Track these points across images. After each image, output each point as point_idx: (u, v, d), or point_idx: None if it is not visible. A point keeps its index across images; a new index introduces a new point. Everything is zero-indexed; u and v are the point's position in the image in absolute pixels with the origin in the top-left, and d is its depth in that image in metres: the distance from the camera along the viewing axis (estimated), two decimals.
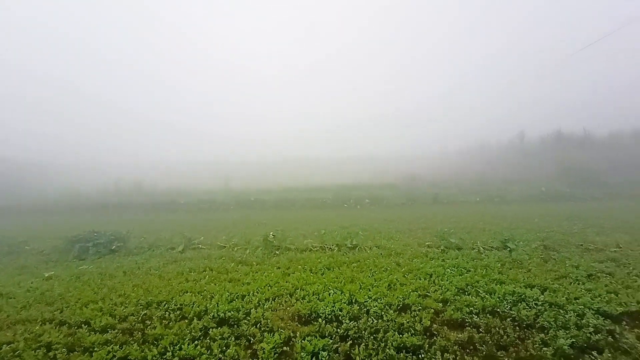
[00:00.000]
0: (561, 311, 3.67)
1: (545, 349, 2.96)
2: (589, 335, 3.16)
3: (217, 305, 4.01)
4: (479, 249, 6.40)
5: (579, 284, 4.48)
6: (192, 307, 4.04)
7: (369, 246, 7.06)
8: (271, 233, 7.24)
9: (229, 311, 3.87)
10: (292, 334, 3.38)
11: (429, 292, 4.34)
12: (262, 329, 3.52)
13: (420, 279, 4.86)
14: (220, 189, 27.17)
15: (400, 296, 4.16)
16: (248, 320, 3.71)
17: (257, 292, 4.49)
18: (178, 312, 3.99)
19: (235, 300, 4.24)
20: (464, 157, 36.35)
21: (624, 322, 3.49)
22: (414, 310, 3.81)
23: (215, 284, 4.94)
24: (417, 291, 4.38)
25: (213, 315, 3.80)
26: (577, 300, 3.92)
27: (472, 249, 6.49)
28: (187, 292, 4.63)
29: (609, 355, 2.88)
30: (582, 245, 6.46)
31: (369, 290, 4.39)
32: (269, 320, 3.65)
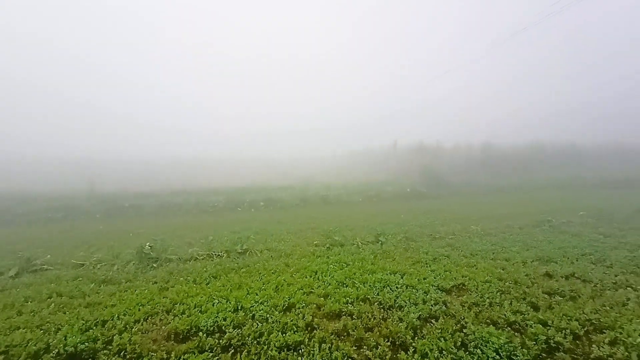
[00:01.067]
0: (414, 290, 4.48)
1: (400, 324, 3.55)
2: (431, 307, 3.97)
3: (65, 339, 3.26)
4: (358, 244, 7.20)
5: (427, 266, 5.57)
6: (25, 346, 3.16)
7: (260, 249, 7.04)
8: (147, 244, 6.35)
9: (83, 343, 3.20)
10: (166, 356, 3.04)
11: (313, 289, 4.63)
12: (129, 356, 3.05)
13: (306, 277, 5.13)
14: (83, 193, 22.19)
15: (287, 296, 4.30)
16: (109, 349, 3.15)
17: (124, 315, 3.87)
18: (1, 357, 3.06)
19: (92, 328, 3.54)
20: (350, 161, 40.49)
21: (454, 293, 4.54)
22: (298, 308, 3.99)
23: (64, 313, 4.00)
24: (302, 289, 4.61)
25: (58, 352, 3.07)
26: (425, 280, 4.86)
27: (353, 244, 7.26)
28: (18, 328, 3.59)
29: (443, 320, 3.67)
30: (431, 234, 8.09)
31: (256, 295, 4.37)
32: (137, 345, 3.19)
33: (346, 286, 4.70)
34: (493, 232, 8.24)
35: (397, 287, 4.58)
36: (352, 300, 4.23)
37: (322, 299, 4.29)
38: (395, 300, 4.17)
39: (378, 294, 4.37)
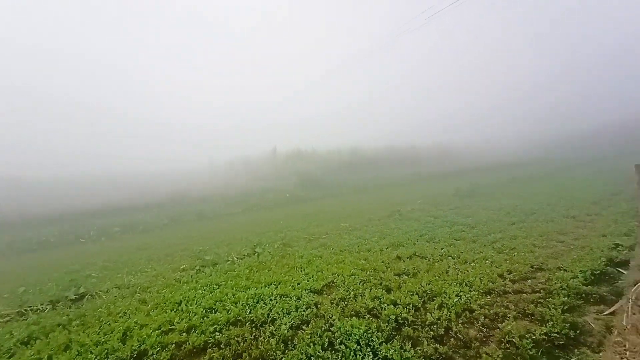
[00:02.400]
0: (287, 299, 4.42)
1: (272, 340, 3.38)
2: (303, 312, 3.97)
3: None
4: (233, 260, 6.73)
5: (301, 270, 5.66)
6: None
7: (106, 289, 5.64)
8: None
9: None
10: None
11: (174, 325, 3.94)
12: None
13: (167, 312, 4.35)
14: None
15: (136, 344, 3.49)
16: None
17: None
18: None
19: None
20: (230, 170, 38.70)
21: (325, 292, 4.72)
22: (151, 356, 3.29)
23: None
24: (160, 328, 3.86)
25: None
26: (299, 285, 4.89)
27: (227, 261, 6.74)
28: None
29: (313, 323, 3.71)
30: (307, 237, 8.40)
31: (91, 353, 3.38)
32: None
33: (215, 311, 4.22)
34: (358, 227, 9.23)
35: (271, 300, 4.42)
36: (221, 326, 3.81)
37: (184, 334, 3.69)
38: (268, 315, 3.99)
39: (251, 312, 4.10)
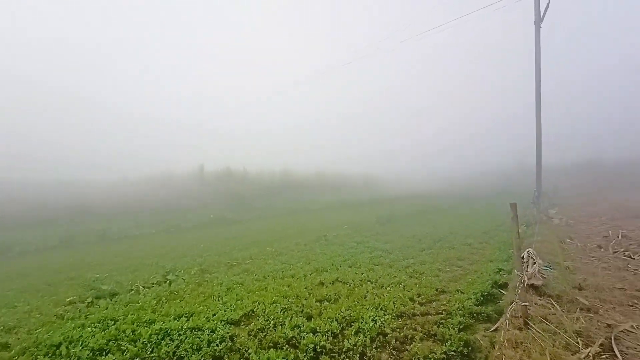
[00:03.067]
0: (199, 333, 4.00)
1: None
2: (216, 347, 3.63)
3: None
4: (138, 289, 5.89)
5: (219, 299, 5.24)
6: None
7: None
8: None
9: None
10: None
11: None
12: None
13: (37, 359, 3.51)
14: None
15: None
16: None
17: None
18: None
19: None
20: (146, 186, 34.71)
21: (243, 323, 4.43)
22: None
23: None
24: None
25: None
26: (215, 316, 4.50)
27: (130, 291, 5.86)
28: None
29: (227, 359, 3.42)
30: (229, 262, 7.90)
31: None
32: None
33: (107, 353, 3.57)
34: (285, 251, 9.10)
35: (179, 335, 3.95)
36: None
37: None
38: (174, 353, 3.54)
39: (153, 351, 3.58)
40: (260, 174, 46.14)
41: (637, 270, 5.75)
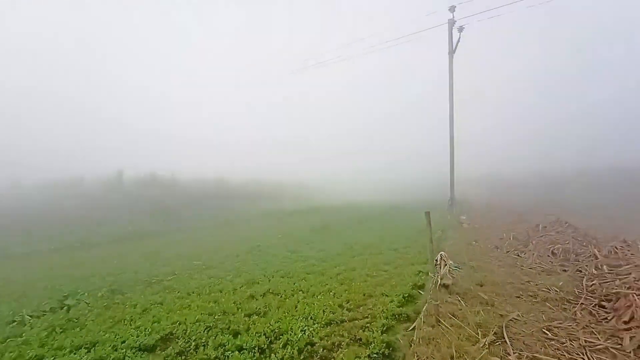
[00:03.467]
0: None
1: None
2: None
3: None
4: (22, 320, 4.85)
5: (131, 323, 4.63)
6: None
7: None
8: None
9: None
10: None
11: None
12: None
13: None
14: None
15: None
16: None
17: None
18: None
19: None
20: (43, 194, 29.25)
21: (159, 348, 3.98)
22: None
23: None
24: None
25: None
26: (124, 344, 3.95)
27: (12, 322, 4.80)
28: None
29: None
30: (147, 280, 7.08)
31: None
32: None
33: None
34: (214, 264, 8.55)
35: None
36: None
37: None
38: None
39: None
40: (193, 181, 43.16)
41: (522, 266, 6.89)
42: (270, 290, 5.94)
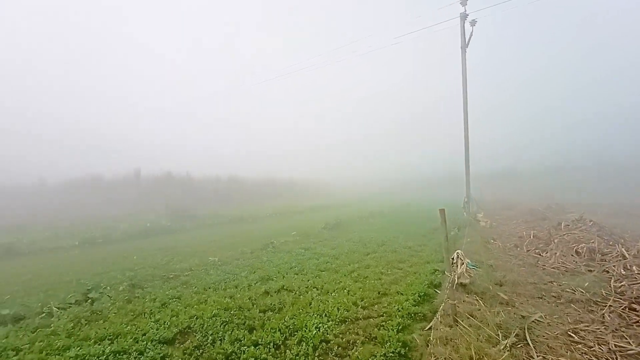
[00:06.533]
0: (125, 356, 3.58)
1: None
2: None
3: None
4: (51, 312, 5.06)
5: (151, 317, 4.76)
6: None
7: None
8: None
9: None
10: None
11: None
12: None
13: None
14: None
15: None
16: None
17: None
18: None
19: None
20: (68, 193, 30.44)
21: (177, 341, 4.07)
22: None
23: None
24: None
25: None
26: (145, 336, 4.06)
27: (41, 314, 5.02)
28: None
29: None
30: (165, 275, 7.25)
31: None
32: None
33: None
34: (229, 261, 8.67)
35: None
36: None
37: None
38: None
39: None
40: (206, 179, 43.91)
41: (544, 266, 6.66)
42: (285, 287, 5.97)
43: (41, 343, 4.00)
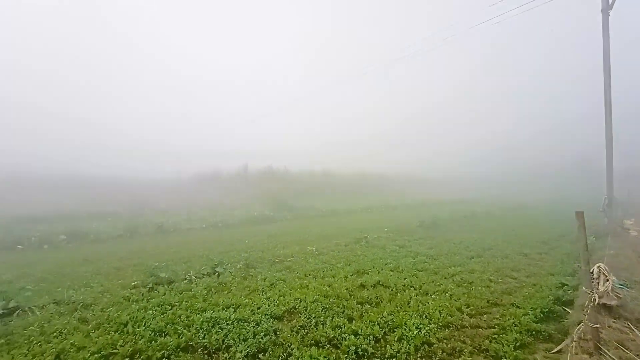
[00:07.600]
0: (245, 324, 4.20)
1: None
2: (260, 339, 3.77)
3: None
4: (190, 279, 6.34)
5: (263, 294, 5.44)
6: None
7: (41, 305, 5.03)
8: None
9: None
10: None
11: (117, 348, 3.57)
12: None
13: (110, 333, 3.95)
14: None
15: None
16: None
17: None
18: None
19: None
20: (198, 184, 37.30)
21: (285, 319, 4.54)
22: None
23: None
24: (100, 352, 3.48)
25: None
26: (259, 310, 4.68)
27: (184, 280, 6.33)
28: None
29: (271, 352, 3.54)
30: (271, 259, 8.15)
31: None
32: None
33: (165, 335, 3.90)
34: (325, 251, 9.15)
35: (227, 324, 4.17)
36: (170, 352, 3.51)
37: (126, 359, 3.34)
38: (223, 341, 3.75)
39: (204, 337, 3.82)
40: (302, 173, 47.01)
41: None
42: (380, 282, 5.96)
43: (186, 303, 5.04)
